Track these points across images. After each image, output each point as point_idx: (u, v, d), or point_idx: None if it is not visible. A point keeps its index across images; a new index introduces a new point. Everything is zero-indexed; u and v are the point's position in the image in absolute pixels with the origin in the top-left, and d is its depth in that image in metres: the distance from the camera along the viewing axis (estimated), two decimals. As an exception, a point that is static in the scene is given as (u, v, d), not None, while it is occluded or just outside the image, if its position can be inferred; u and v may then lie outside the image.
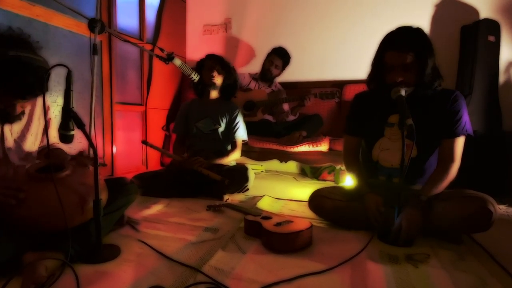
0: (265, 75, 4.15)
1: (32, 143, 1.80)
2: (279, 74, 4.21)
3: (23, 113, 1.64)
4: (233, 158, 3.23)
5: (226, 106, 3.25)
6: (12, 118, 1.59)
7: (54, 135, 1.89)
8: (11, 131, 1.69)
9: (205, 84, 3.16)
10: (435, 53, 1.92)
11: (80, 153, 1.75)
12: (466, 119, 1.99)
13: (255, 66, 4.42)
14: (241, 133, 3.26)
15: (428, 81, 1.91)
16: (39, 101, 1.78)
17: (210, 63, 3.17)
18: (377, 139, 2.17)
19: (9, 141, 1.68)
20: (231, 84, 3.26)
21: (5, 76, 1.40)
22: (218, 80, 3.16)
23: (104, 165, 1.69)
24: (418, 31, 1.92)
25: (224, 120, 3.22)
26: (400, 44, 1.89)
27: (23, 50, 1.44)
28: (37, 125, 1.83)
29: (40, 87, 1.44)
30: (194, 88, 3.30)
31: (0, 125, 1.63)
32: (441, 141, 2.03)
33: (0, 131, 1.64)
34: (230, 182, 2.82)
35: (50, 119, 1.90)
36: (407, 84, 1.91)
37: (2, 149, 1.65)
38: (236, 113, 3.24)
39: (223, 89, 3.25)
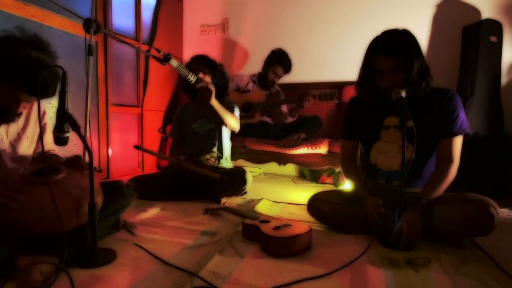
0: (267, 84, 4.12)
1: (27, 147, 1.80)
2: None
3: (19, 115, 1.65)
4: (232, 119, 3.17)
5: (222, 104, 3.22)
6: (10, 117, 1.60)
7: (49, 141, 1.92)
8: (7, 133, 1.70)
9: (195, 85, 3.10)
10: (422, 53, 1.94)
11: (76, 158, 1.75)
12: (463, 118, 2.00)
13: (253, 67, 4.42)
14: (237, 113, 3.25)
15: (414, 81, 1.92)
16: (36, 105, 1.79)
17: (195, 65, 3.13)
18: (374, 142, 2.18)
19: (5, 142, 1.68)
20: (220, 82, 3.20)
21: (25, 74, 1.46)
22: (206, 81, 3.12)
23: (99, 171, 1.70)
24: (405, 33, 1.94)
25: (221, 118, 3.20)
26: (389, 49, 1.90)
27: (43, 54, 1.52)
28: (33, 129, 1.83)
29: (52, 91, 1.54)
30: (186, 92, 3.29)
31: None
32: (438, 142, 2.04)
33: None
34: (228, 184, 2.82)
35: (46, 123, 1.91)
36: (398, 85, 1.92)
37: None
38: (234, 108, 3.23)
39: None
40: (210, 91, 2.94)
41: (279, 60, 4.04)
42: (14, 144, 1.73)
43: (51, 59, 1.56)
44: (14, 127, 1.74)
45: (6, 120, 1.62)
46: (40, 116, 1.81)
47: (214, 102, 2.99)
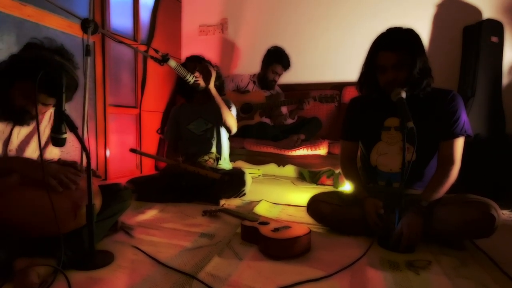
0: (268, 85, 4.13)
1: (33, 150, 1.83)
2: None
3: (32, 118, 1.69)
4: (229, 115, 3.13)
5: None
6: (26, 119, 1.67)
7: (55, 152, 1.98)
8: (18, 134, 1.73)
9: (191, 87, 3.05)
10: (425, 53, 1.96)
11: (73, 164, 1.75)
12: (464, 119, 2.00)
13: (252, 68, 4.40)
14: (233, 112, 3.23)
15: (416, 80, 1.93)
16: (48, 111, 1.88)
17: (190, 65, 3.11)
18: (374, 144, 2.19)
19: (14, 143, 1.71)
20: (216, 82, 3.15)
21: (48, 76, 1.50)
22: (201, 80, 3.06)
23: (98, 176, 1.73)
24: (409, 31, 1.97)
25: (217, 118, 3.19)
26: (392, 44, 1.93)
27: (67, 61, 1.65)
28: (41, 133, 1.86)
29: (69, 95, 1.67)
30: (181, 94, 3.29)
31: (11, 126, 1.68)
32: (439, 143, 2.05)
33: (9, 131, 1.68)
34: (227, 186, 2.83)
35: None
36: (399, 83, 1.94)
37: (4, 149, 1.67)
38: (231, 106, 3.22)
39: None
40: (210, 72, 2.94)
41: (276, 58, 4.03)
42: (22, 146, 1.76)
43: (73, 68, 1.67)
44: (25, 130, 1.77)
45: (21, 122, 1.68)
46: (46, 123, 1.91)
47: (213, 88, 2.98)
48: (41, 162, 1.50)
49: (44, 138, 1.89)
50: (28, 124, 1.72)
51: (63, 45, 1.70)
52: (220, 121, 3.09)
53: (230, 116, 3.12)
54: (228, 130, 3.20)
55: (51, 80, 1.49)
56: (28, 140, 1.79)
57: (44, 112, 1.82)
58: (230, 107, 3.21)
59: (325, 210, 2.19)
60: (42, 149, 1.88)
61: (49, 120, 1.93)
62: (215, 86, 3.10)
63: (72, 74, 1.64)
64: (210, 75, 2.94)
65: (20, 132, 1.74)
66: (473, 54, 3.66)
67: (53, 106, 1.70)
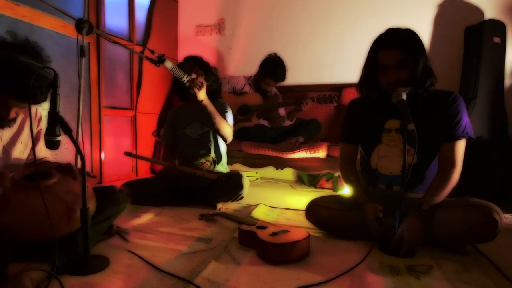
0: (260, 93, 4.15)
1: (21, 152, 1.82)
2: None
3: (14, 120, 1.67)
4: (223, 124, 3.11)
5: (215, 106, 3.13)
6: (3, 122, 1.62)
7: (44, 149, 1.92)
8: (1, 137, 1.72)
9: (187, 88, 3.00)
10: (426, 52, 1.97)
11: (68, 166, 1.75)
12: (466, 121, 2.01)
13: (250, 69, 4.40)
14: (230, 121, 3.23)
15: (419, 79, 1.94)
16: (33, 110, 1.85)
17: (188, 66, 3.10)
18: (375, 146, 2.19)
19: None
20: (214, 84, 3.18)
21: (12, 79, 1.46)
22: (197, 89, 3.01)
23: (93, 176, 1.72)
24: (409, 30, 1.98)
25: None
26: (393, 43, 1.94)
27: (33, 59, 1.52)
28: (28, 134, 1.84)
29: (42, 96, 1.55)
30: (176, 94, 3.30)
31: None
32: (441, 146, 2.05)
33: None
34: (225, 188, 2.83)
35: (41, 129, 1.93)
36: (401, 83, 1.95)
37: None
38: (226, 111, 3.23)
39: (207, 90, 3.11)
40: (201, 85, 2.92)
41: (271, 72, 4.02)
42: (8, 148, 1.75)
43: (43, 63, 1.56)
44: (9, 132, 1.75)
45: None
46: (32, 122, 1.83)
47: (205, 99, 2.97)
48: (35, 162, 1.50)
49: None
50: (9, 126, 1.69)
51: (27, 39, 1.60)
52: (215, 131, 3.10)
53: (226, 126, 3.11)
54: (224, 139, 3.20)
55: (20, 86, 1.45)
56: (14, 142, 1.78)
57: (20, 114, 1.73)
58: (226, 111, 3.22)
59: (323, 215, 2.19)
60: (30, 147, 1.88)
61: (34, 117, 1.91)
62: (213, 89, 3.12)
63: (40, 72, 1.50)
64: (201, 88, 2.92)
65: (4, 135, 1.73)
66: (475, 55, 3.67)
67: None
